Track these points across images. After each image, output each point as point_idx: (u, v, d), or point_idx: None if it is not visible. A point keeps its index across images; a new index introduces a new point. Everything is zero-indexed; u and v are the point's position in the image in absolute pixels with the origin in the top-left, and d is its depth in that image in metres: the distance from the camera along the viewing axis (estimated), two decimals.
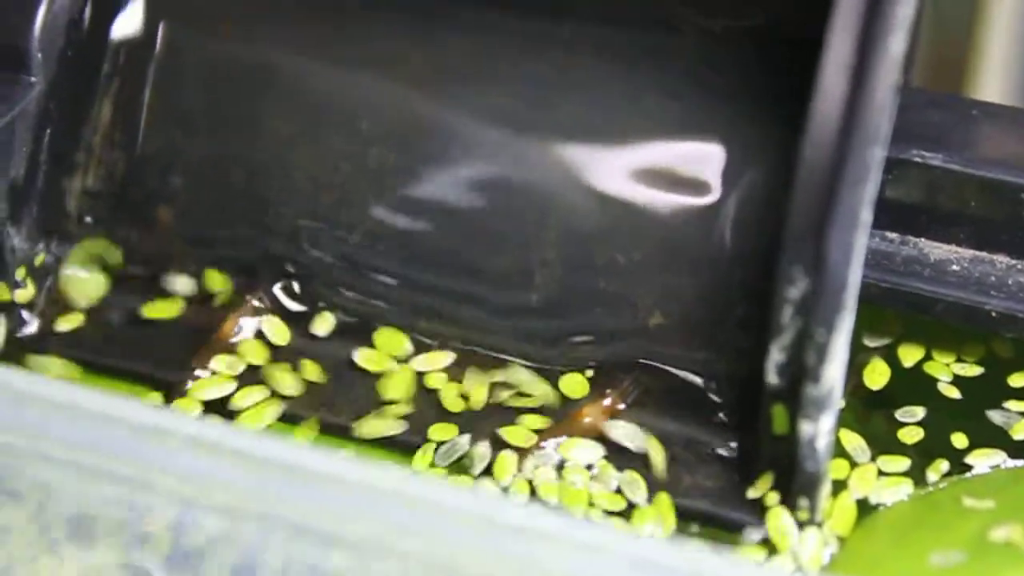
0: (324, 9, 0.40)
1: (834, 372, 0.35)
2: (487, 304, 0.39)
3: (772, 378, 0.36)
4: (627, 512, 0.36)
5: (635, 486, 0.36)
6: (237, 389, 0.39)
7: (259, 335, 0.40)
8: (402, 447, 0.37)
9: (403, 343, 0.39)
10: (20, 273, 0.40)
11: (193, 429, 0.33)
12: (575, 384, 0.38)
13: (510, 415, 0.38)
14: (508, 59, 0.39)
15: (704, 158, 0.38)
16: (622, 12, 0.39)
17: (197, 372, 0.39)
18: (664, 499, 0.36)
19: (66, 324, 0.40)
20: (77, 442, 0.34)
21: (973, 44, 0.57)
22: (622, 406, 0.37)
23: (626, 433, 0.37)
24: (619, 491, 0.36)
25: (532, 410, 0.38)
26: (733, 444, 0.37)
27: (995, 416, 0.39)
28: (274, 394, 0.39)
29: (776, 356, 0.35)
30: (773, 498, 0.37)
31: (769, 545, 0.37)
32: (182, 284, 0.40)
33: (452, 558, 0.32)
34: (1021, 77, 0.66)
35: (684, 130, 0.38)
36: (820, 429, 0.35)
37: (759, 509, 0.37)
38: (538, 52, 0.39)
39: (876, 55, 0.34)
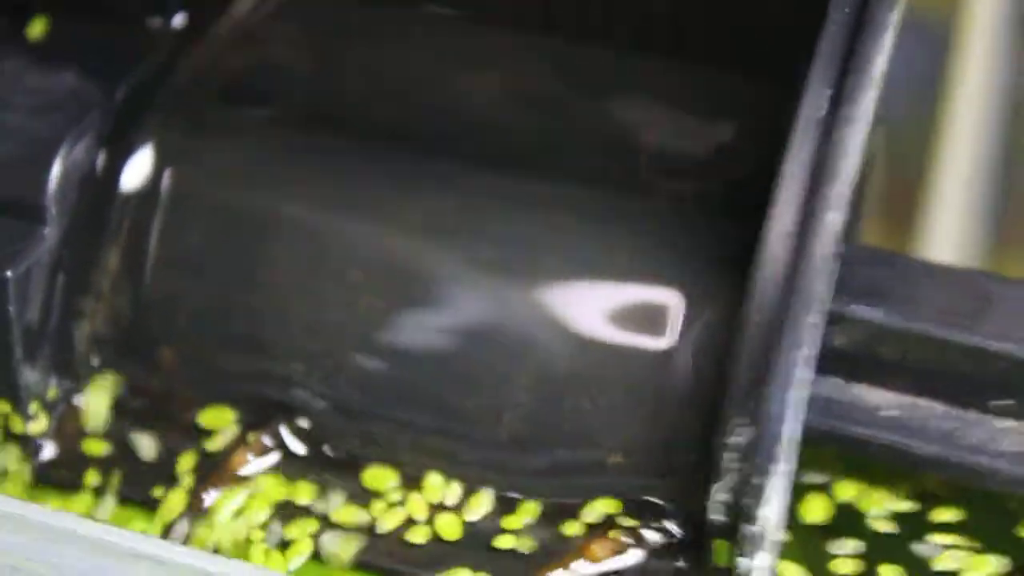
0: (321, 164, 0.41)
1: (770, 514, 0.36)
2: (463, 440, 0.40)
3: (715, 516, 0.37)
4: None
5: None
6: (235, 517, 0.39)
7: (266, 470, 0.40)
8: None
9: (389, 479, 0.40)
10: (33, 407, 0.41)
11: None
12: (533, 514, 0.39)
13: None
14: (491, 216, 0.41)
15: (664, 313, 0.39)
16: (597, 175, 0.41)
17: (203, 501, 0.40)
18: None
19: (74, 454, 0.41)
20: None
21: (926, 182, 0.59)
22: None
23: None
24: None
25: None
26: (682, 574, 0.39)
27: (921, 548, 0.40)
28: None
29: (718, 496, 0.37)
30: None
31: None
32: (186, 418, 0.41)
33: None
34: (970, 211, 0.69)
35: (648, 283, 0.40)
36: (756, 564, 0.37)
37: None
38: (519, 210, 0.41)
39: (814, 228, 0.36)
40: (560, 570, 0.39)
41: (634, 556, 0.39)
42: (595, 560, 0.39)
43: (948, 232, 0.64)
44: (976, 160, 0.68)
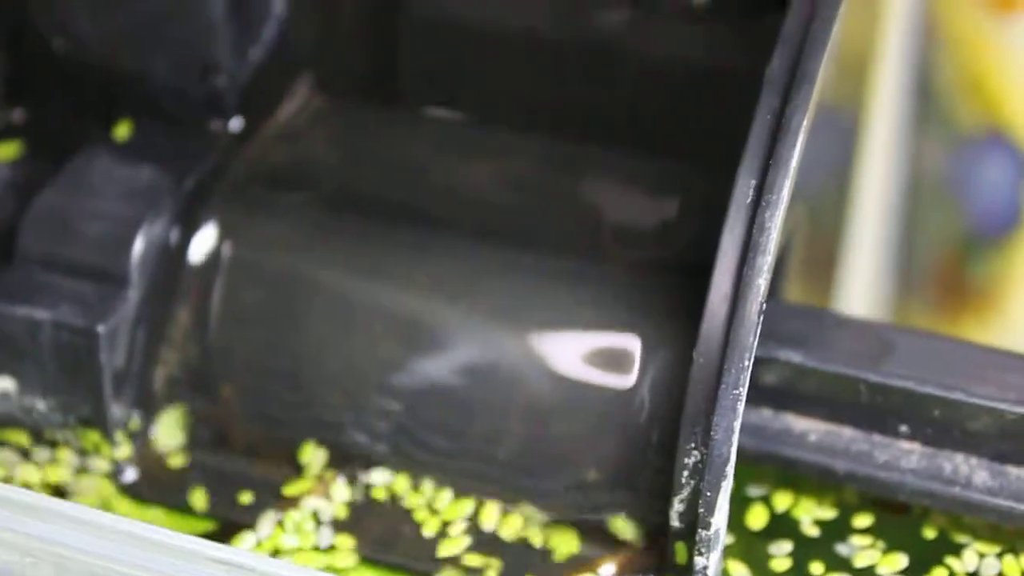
0: (348, 237, 0.42)
1: (719, 520, 0.37)
2: (466, 461, 0.41)
3: (674, 522, 0.38)
4: None
5: None
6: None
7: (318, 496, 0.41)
8: None
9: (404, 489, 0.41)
10: (118, 436, 0.41)
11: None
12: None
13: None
14: (485, 277, 0.41)
15: (626, 356, 0.40)
16: (569, 246, 0.42)
17: (264, 522, 0.40)
18: None
19: (152, 475, 0.41)
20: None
21: (840, 247, 0.60)
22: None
23: None
24: None
25: None
26: (643, 570, 0.39)
27: (842, 548, 0.41)
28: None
29: (677, 506, 0.38)
30: None
31: None
32: (248, 449, 0.41)
33: None
34: (878, 271, 0.70)
35: (613, 333, 0.40)
36: (710, 561, 0.38)
37: None
38: (507, 273, 0.41)
39: (745, 292, 0.37)
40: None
41: (621, 563, 0.40)
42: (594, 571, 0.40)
43: (859, 288, 0.64)
44: (882, 228, 0.69)
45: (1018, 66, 0.65)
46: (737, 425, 0.37)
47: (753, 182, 0.38)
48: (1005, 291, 0.70)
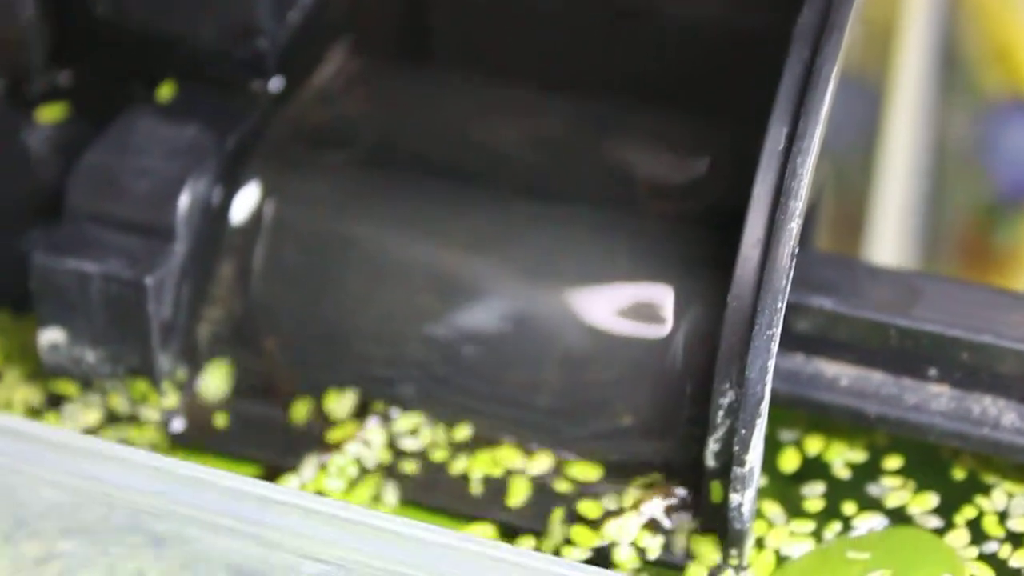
0: (386, 194, 0.43)
1: (753, 458, 0.38)
2: (505, 408, 0.41)
3: (710, 462, 0.39)
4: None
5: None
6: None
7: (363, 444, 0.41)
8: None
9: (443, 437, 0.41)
10: (165, 386, 0.42)
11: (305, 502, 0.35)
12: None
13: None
14: (520, 230, 0.42)
15: (661, 304, 0.41)
16: (604, 199, 0.42)
17: (307, 467, 0.41)
18: (634, 550, 0.40)
19: (198, 423, 0.42)
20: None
21: (868, 208, 0.60)
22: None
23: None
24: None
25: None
26: (683, 511, 0.40)
27: (873, 489, 0.41)
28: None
29: (712, 446, 0.39)
30: (712, 549, 0.39)
31: None
32: (290, 398, 0.42)
33: None
34: (908, 229, 0.71)
35: (647, 283, 0.41)
36: (745, 499, 0.38)
37: (700, 557, 0.40)
38: (542, 226, 0.42)
39: (778, 236, 0.38)
40: (619, 519, 0.40)
41: (657, 504, 0.40)
42: (636, 510, 0.40)
43: (886, 253, 0.64)
44: (908, 194, 0.70)
45: None
46: (771, 364, 0.38)
47: (785, 130, 0.38)
48: None
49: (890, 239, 0.67)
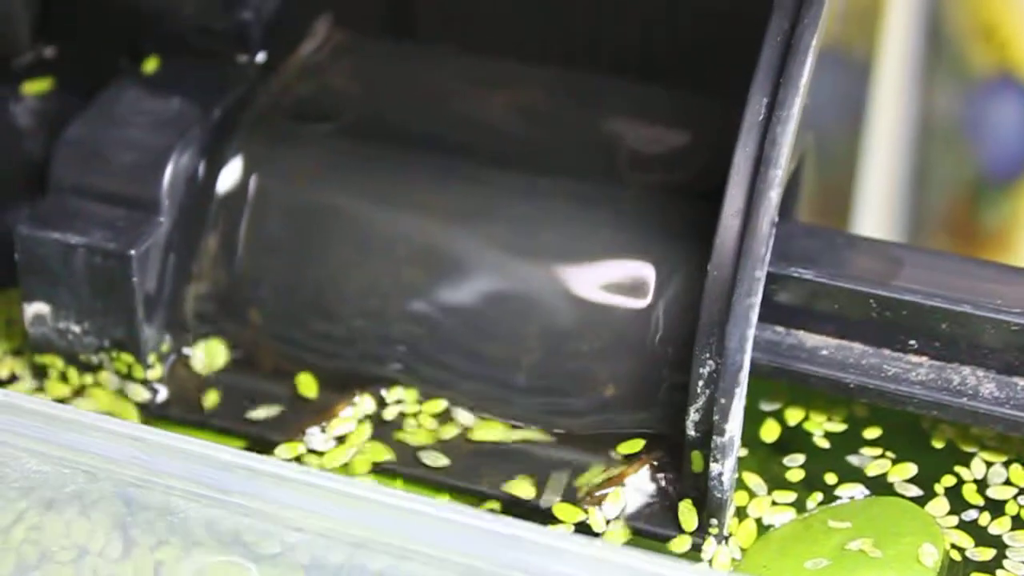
0: (370, 166, 0.43)
1: (733, 427, 0.38)
2: (488, 381, 0.41)
3: (690, 431, 0.39)
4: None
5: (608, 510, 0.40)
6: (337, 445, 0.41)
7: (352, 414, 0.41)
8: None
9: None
10: (151, 358, 0.42)
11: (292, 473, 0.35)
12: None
13: None
14: (503, 202, 0.42)
15: (642, 275, 0.41)
16: (586, 170, 0.42)
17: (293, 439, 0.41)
18: (619, 522, 0.40)
19: (183, 395, 0.42)
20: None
21: (854, 177, 0.60)
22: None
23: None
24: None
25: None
26: (665, 482, 0.40)
27: (853, 460, 0.41)
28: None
29: (693, 416, 0.39)
30: (692, 518, 0.39)
31: (690, 554, 0.39)
32: (275, 371, 0.42)
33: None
34: (894, 208, 0.71)
35: (629, 254, 0.41)
36: (724, 468, 0.39)
37: (683, 527, 0.40)
38: (525, 197, 0.42)
39: (758, 204, 0.38)
40: (602, 490, 0.40)
41: (640, 475, 0.40)
42: (619, 481, 0.40)
43: (871, 231, 0.62)
44: (894, 172, 0.70)
45: None
46: (750, 333, 0.38)
47: (765, 100, 0.38)
48: (1016, 234, 0.71)
49: (875, 218, 0.67)
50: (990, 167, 0.70)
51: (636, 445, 0.41)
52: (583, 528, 0.40)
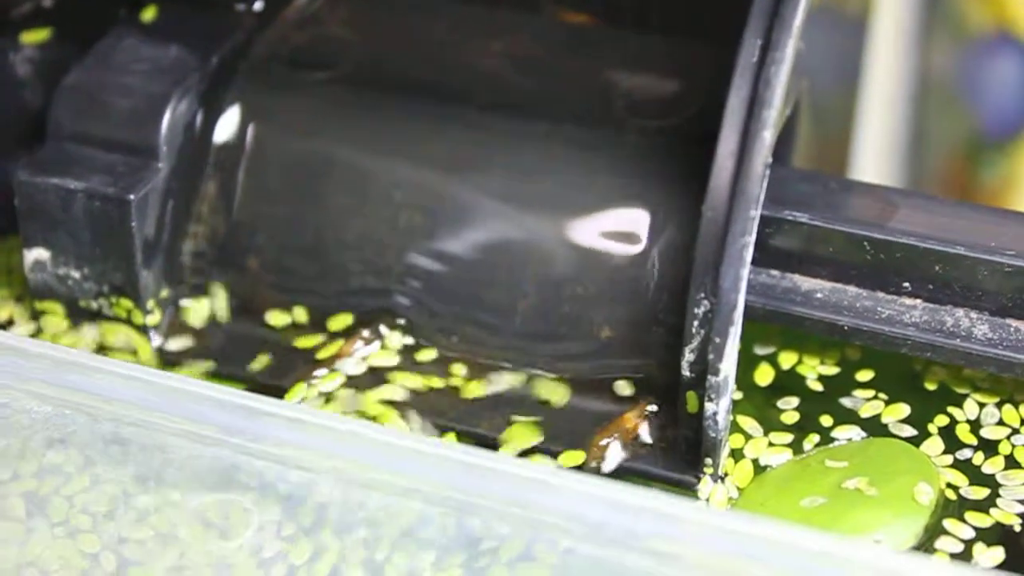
0: (367, 113, 0.43)
1: (727, 366, 0.38)
2: (485, 326, 0.42)
3: (685, 372, 0.39)
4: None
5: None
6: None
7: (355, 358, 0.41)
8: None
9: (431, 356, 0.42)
10: (150, 304, 0.42)
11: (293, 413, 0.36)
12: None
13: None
14: (500, 148, 0.42)
15: (638, 219, 0.41)
16: (583, 114, 0.43)
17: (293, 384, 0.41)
18: (617, 462, 0.40)
19: (183, 342, 0.42)
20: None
21: (851, 135, 0.60)
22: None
23: None
24: None
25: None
26: (659, 422, 0.40)
27: (847, 402, 0.42)
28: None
29: (688, 356, 0.39)
30: (687, 459, 0.39)
31: (687, 492, 0.40)
32: (274, 317, 0.42)
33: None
34: (891, 166, 0.71)
35: (625, 200, 0.41)
36: (719, 408, 0.39)
37: (680, 466, 0.40)
38: (522, 143, 0.42)
39: (752, 145, 0.38)
40: (600, 432, 0.40)
41: (635, 417, 0.40)
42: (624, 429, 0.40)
43: (867, 177, 0.65)
44: (891, 130, 0.70)
45: None
46: (745, 273, 0.38)
47: (758, 42, 0.39)
48: (1013, 192, 0.71)
49: (873, 177, 0.67)
50: (987, 125, 0.69)
51: (633, 388, 0.41)
52: (581, 470, 0.40)
